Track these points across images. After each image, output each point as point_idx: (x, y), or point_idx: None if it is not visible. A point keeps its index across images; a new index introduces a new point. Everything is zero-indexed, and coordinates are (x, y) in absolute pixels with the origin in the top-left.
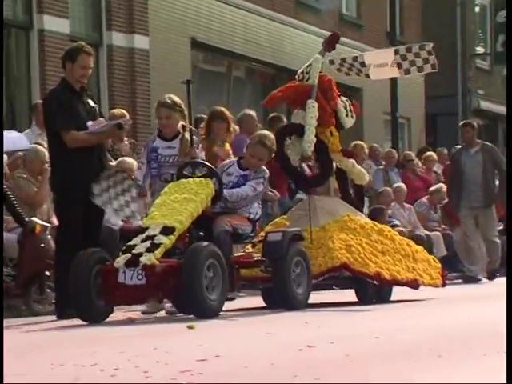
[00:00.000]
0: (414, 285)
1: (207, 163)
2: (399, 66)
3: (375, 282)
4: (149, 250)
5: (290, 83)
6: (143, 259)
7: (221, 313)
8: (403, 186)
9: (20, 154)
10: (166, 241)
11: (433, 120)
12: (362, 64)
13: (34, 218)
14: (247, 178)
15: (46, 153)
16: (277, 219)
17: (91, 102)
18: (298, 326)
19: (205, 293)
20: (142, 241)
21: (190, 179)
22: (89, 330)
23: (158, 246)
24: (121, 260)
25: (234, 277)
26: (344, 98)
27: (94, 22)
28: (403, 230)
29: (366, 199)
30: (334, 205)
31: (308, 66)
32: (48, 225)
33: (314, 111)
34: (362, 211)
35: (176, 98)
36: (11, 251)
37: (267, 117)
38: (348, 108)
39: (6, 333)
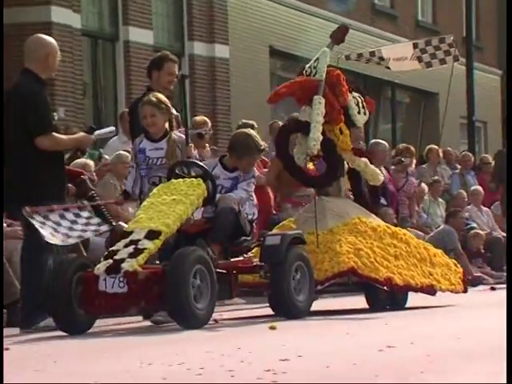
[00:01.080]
0: (430, 290)
1: (200, 163)
2: (419, 59)
3: (385, 287)
4: (132, 256)
5: (297, 78)
6: (125, 265)
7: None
8: (480, 188)
9: (108, 160)
10: (151, 246)
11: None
12: (381, 58)
13: (120, 222)
14: (238, 181)
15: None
16: (284, 222)
17: (174, 111)
18: (377, 327)
19: (191, 301)
20: (126, 245)
21: (181, 180)
22: (177, 330)
23: (141, 251)
24: (101, 266)
25: (232, 283)
26: (356, 94)
27: (176, 33)
28: (480, 232)
29: (428, 201)
30: (345, 206)
31: (315, 61)
32: None
33: (320, 107)
34: (376, 213)
35: (161, 97)
36: (100, 254)
37: None
38: (361, 104)
39: (98, 333)
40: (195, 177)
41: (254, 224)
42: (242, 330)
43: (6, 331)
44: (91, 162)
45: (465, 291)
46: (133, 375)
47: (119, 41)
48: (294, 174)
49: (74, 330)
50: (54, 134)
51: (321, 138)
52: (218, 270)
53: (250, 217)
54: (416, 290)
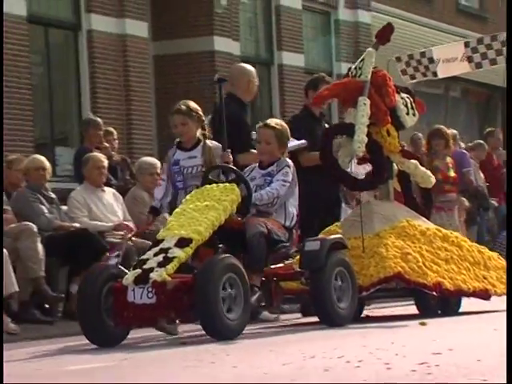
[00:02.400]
0: (483, 295)
1: (234, 167)
2: (469, 59)
3: (434, 293)
4: (160, 265)
5: (340, 80)
6: (153, 275)
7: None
8: None
9: None
10: (181, 254)
11: None
12: (431, 60)
13: None
14: (271, 175)
15: None
16: (330, 227)
17: (326, 125)
18: None
19: (221, 312)
20: (156, 254)
21: (214, 185)
22: (332, 328)
23: (171, 260)
24: (130, 277)
25: (272, 291)
26: (404, 95)
27: (324, 56)
28: None
29: None
30: (393, 210)
31: (361, 61)
32: None
33: (365, 109)
34: (428, 217)
35: (192, 104)
36: None
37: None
38: (409, 105)
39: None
40: (229, 182)
41: (293, 230)
42: (392, 326)
43: None
44: None
45: None
46: (297, 366)
47: (274, 65)
48: (338, 177)
49: (104, 342)
50: (252, 150)
51: (366, 140)
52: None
53: (288, 223)
54: (468, 294)
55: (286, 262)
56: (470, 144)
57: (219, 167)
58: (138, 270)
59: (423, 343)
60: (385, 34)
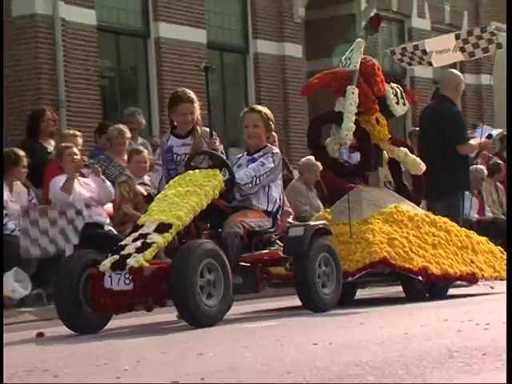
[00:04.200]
0: (470, 279)
1: (217, 153)
2: (462, 49)
3: (420, 277)
4: (139, 251)
5: (330, 70)
6: (130, 261)
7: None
8: None
9: None
10: (160, 240)
11: None
12: (424, 52)
13: None
14: (255, 161)
15: None
16: (320, 213)
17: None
18: None
19: (198, 298)
20: (134, 240)
21: (197, 171)
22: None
23: (149, 245)
24: (107, 263)
25: (257, 277)
26: (394, 85)
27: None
28: None
29: None
30: (382, 196)
31: (350, 52)
32: None
33: (353, 97)
34: (419, 203)
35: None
36: None
37: None
38: (399, 95)
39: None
40: (211, 167)
41: (277, 215)
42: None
43: None
44: None
45: None
46: (433, 327)
47: (406, 77)
48: (326, 165)
49: (83, 330)
50: (469, 142)
51: (354, 127)
52: (242, 263)
53: (270, 208)
54: (455, 278)
55: (272, 248)
56: None
57: (202, 153)
58: (116, 256)
59: None
60: (373, 25)
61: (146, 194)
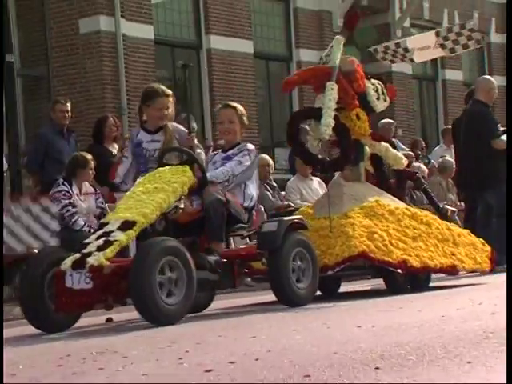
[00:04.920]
0: (451, 271)
1: (187, 149)
2: (443, 46)
3: (399, 270)
4: (100, 249)
5: (310, 66)
6: (90, 260)
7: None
8: None
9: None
10: (123, 237)
11: None
12: (406, 49)
13: (446, 205)
14: (230, 158)
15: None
16: (302, 208)
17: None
18: None
19: (157, 296)
20: (98, 238)
21: (167, 167)
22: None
23: (111, 243)
24: (68, 261)
25: (234, 272)
26: (376, 81)
27: (479, 70)
28: None
29: None
30: (363, 190)
31: (330, 48)
32: (455, 209)
33: (332, 93)
34: (402, 198)
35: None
36: None
37: None
38: (380, 91)
39: None
40: (182, 164)
41: (253, 211)
42: None
43: None
44: (423, 166)
45: (491, 270)
46: (468, 311)
47: (438, 80)
48: (305, 160)
49: (49, 329)
50: (502, 137)
51: (333, 123)
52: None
53: (246, 203)
54: (435, 270)
55: (250, 242)
56: None
57: (172, 149)
58: (77, 255)
59: None
60: (352, 21)
61: None
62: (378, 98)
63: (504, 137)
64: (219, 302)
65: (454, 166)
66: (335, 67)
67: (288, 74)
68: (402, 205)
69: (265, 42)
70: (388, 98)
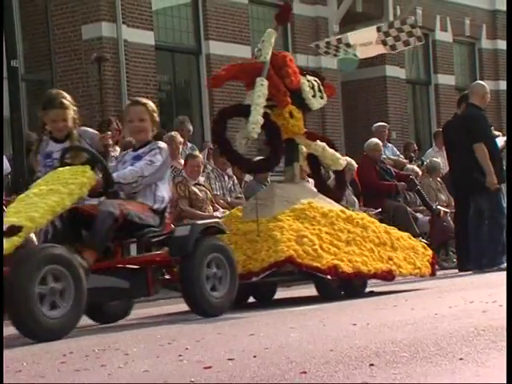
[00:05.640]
0: (386, 276)
1: (89, 148)
2: (384, 42)
3: (329, 276)
4: None
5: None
6: None
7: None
8: None
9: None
10: (6, 244)
11: None
12: (348, 45)
13: (438, 206)
14: (140, 157)
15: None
16: (232, 210)
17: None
18: None
19: (36, 309)
20: None
21: (68, 167)
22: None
23: None
24: None
25: (149, 279)
26: (311, 78)
27: (471, 76)
28: None
29: None
30: (296, 192)
31: (262, 43)
32: (448, 210)
33: (262, 89)
34: (340, 199)
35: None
36: (425, 227)
37: None
38: (316, 88)
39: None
40: (83, 164)
41: (165, 213)
42: None
43: None
44: (417, 168)
45: (433, 274)
46: (460, 309)
47: (431, 85)
48: (232, 160)
49: None
50: (482, 143)
51: (262, 121)
52: (130, 265)
53: (157, 206)
54: (369, 276)
55: (166, 248)
56: None
57: (72, 148)
58: None
59: None
60: (284, 15)
61: (199, 193)
62: (313, 96)
63: (499, 139)
64: (141, 311)
65: (442, 167)
66: (266, 62)
67: None
68: (336, 207)
69: None
70: (325, 96)
